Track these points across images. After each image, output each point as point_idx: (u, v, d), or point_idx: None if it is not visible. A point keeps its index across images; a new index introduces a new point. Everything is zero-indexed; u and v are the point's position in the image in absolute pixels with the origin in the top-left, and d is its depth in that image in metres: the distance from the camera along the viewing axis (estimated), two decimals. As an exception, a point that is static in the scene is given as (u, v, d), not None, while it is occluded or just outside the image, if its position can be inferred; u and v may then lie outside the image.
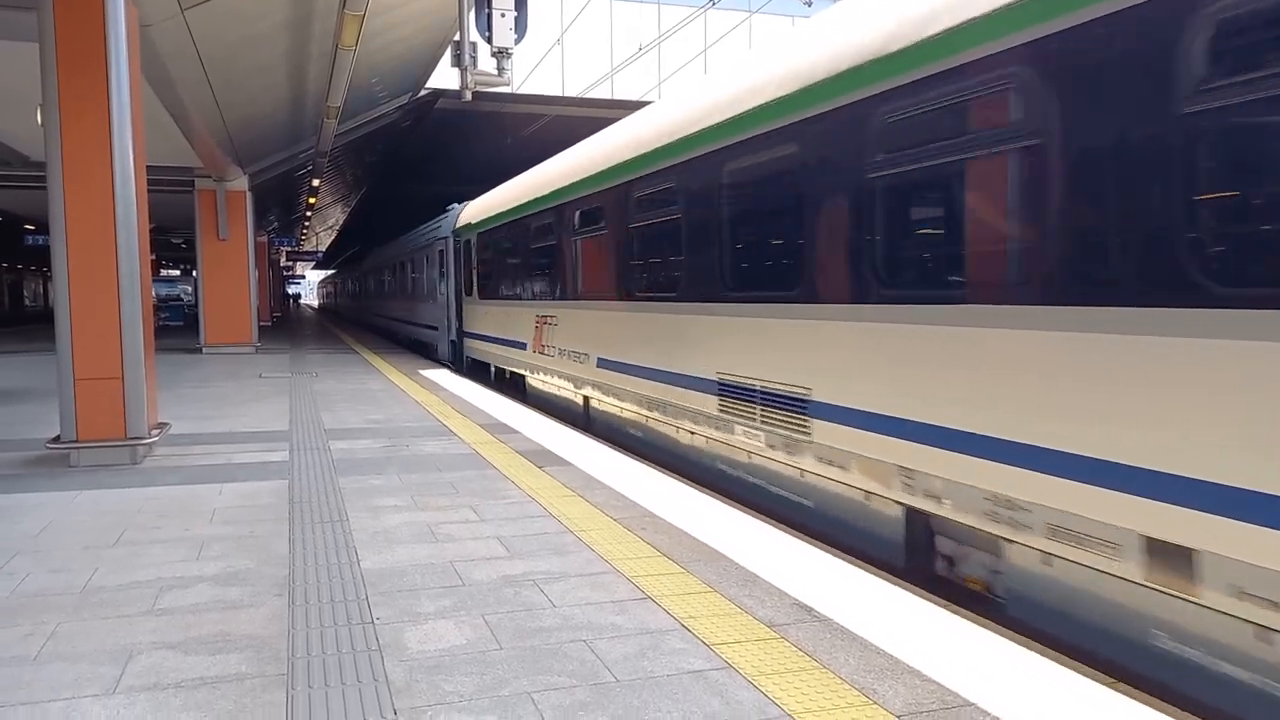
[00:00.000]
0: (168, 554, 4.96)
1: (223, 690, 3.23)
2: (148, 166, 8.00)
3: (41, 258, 46.99)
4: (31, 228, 32.27)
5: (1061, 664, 3.46)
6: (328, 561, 4.78)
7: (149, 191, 8.01)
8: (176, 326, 33.69)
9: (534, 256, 12.48)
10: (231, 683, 3.29)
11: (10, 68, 10.44)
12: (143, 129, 7.95)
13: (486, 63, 9.75)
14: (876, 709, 3.07)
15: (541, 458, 7.74)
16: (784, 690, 3.21)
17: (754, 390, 6.67)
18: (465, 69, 9.63)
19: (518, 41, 9.57)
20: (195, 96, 13.23)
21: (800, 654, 3.53)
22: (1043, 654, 3.57)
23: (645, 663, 3.46)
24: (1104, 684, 3.30)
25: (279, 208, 37.30)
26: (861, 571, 4.61)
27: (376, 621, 3.90)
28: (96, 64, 7.32)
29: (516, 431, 9.18)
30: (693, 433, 7.77)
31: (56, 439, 7.55)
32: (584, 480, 6.83)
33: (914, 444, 5.02)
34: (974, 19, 4.54)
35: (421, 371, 16.15)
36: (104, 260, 7.46)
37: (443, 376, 15.23)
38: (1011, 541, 4.46)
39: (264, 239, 37.72)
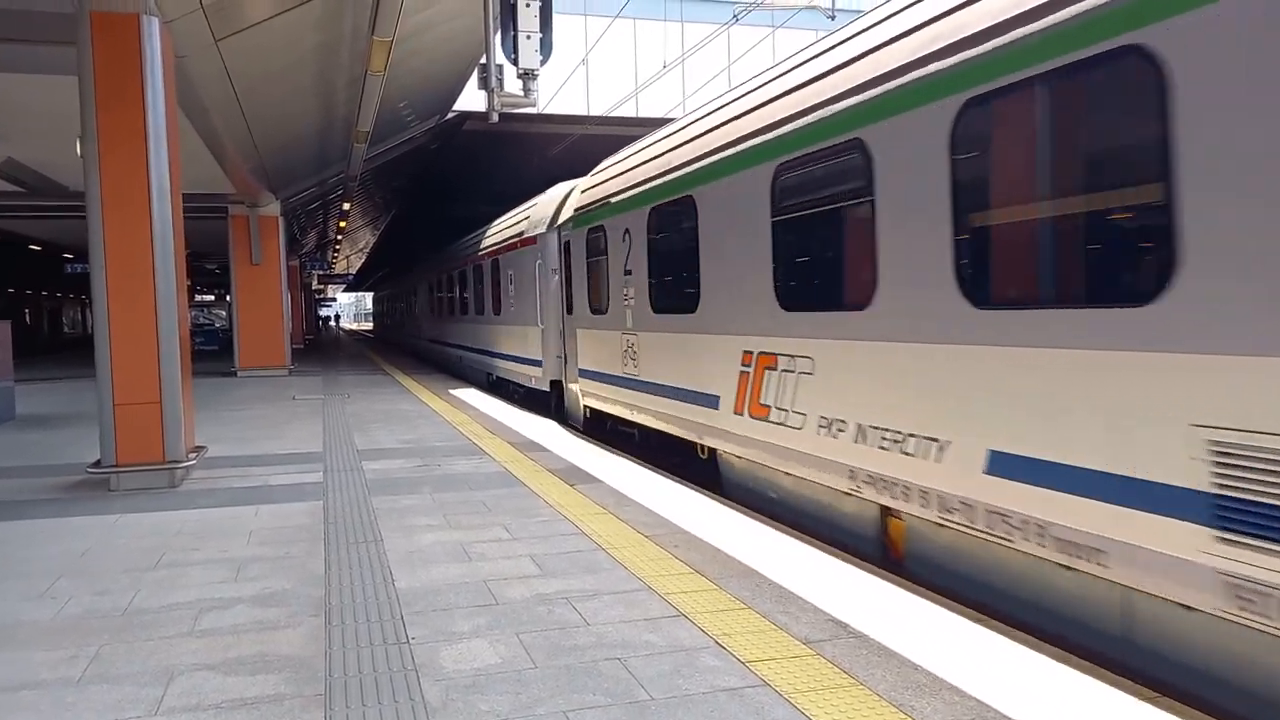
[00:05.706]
0: (207, 575, 5.03)
1: (262, 711, 3.27)
2: (183, 194, 8.15)
3: (79, 286, 48.01)
4: (70, 256, 32.96)
5: (1104, 679, 3.41)
6: (363, 582, 4.82)
7: (184, 218, 8.16)
8: (211, 350, 34.16)
9: (428, 296, 29.65)
10: (270, 703, 3.33)
11: (49, 100, 10.71)
12: (179, 157, 8.11)
13: (513, 84, 9.82)
14: (915, 726, 3.04)
15: (572, 475, 7.76)
16: (821, 708, 3.18)
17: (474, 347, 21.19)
18: (492, 91, 9.71)
19: (543, 63, 9.63)
20: (228, 123, 13.49)
21: (837, 671, 3.51)
22: (1085, 670, 3.51)
23: (680, 681, 3.45)
24: (1146, 699, 3.25)
25: (310, 231, 37.83)
26: (897, 588, 4.57)
27: (412, 641, 3.93)
28: (134, 96, 7.50)
29: (546, 449, 9.21)
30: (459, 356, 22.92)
31: (97, 463, 7.69)
32: (615, 497, 6.84)
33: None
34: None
35: (452, 391, 16.26)
36: (142, 288, 7.61)
37: (472, 396, 15.32)
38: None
39: (295, 263, 38.22)
